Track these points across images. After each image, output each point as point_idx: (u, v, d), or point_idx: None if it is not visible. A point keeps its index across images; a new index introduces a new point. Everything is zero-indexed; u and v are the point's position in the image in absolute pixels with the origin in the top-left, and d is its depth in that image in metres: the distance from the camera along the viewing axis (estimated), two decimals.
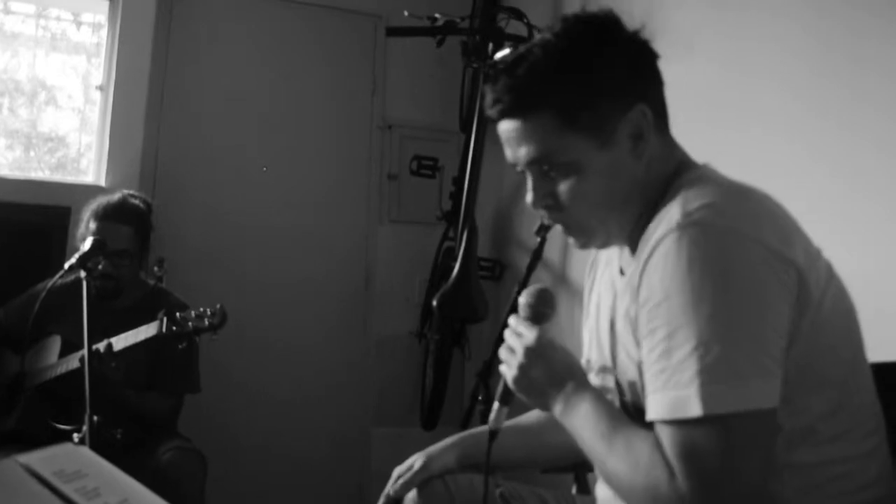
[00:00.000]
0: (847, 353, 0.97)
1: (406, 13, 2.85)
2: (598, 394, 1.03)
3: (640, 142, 1.01)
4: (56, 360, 2.11)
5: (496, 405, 1.14)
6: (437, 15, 2.83)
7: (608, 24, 1.02)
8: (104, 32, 3.13)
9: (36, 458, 0.83)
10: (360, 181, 3.38)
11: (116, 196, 2.27)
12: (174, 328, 1.91)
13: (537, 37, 1.04)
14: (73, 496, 0.79)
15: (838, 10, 1.73)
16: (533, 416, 1.38)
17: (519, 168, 1.05)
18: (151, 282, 2.37)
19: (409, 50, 3.35)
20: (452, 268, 2.72)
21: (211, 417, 2.72)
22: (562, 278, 2.74)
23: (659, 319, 0.88)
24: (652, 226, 0.96)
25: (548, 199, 1.03)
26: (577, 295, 2.50)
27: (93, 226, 2.17)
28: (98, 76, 3.11)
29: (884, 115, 1.58)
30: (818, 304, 0.91)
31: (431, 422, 2.95)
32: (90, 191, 2.59)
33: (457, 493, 1.24)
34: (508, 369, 1.08)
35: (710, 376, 0.82)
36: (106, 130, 2.99)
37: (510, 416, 1.21)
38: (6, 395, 2.14)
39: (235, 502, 2.91)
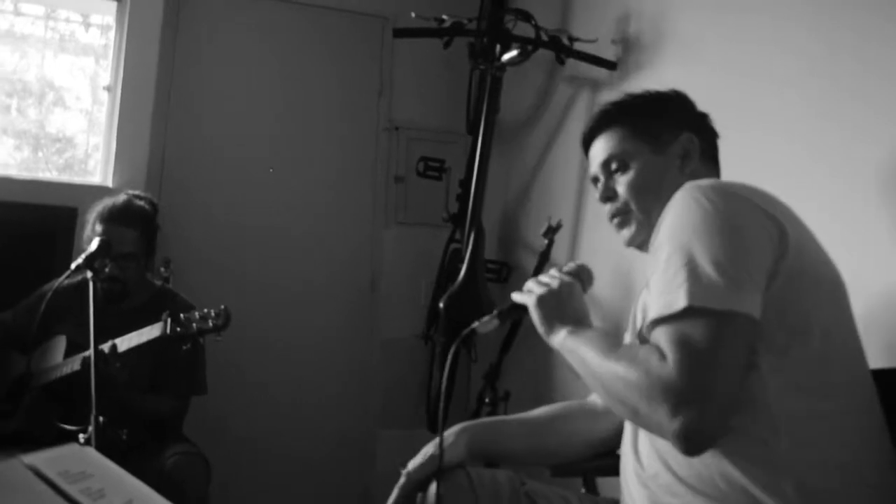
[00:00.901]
0: (829, 310, 1.07)
1: (413, 14, 2.84)
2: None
3: (686, 160, 1.30)
4: (61, 360, 2.11)
5: (493, 315, 1.28)
6: (444, 16, 2.83)
7: (681, 94, 1.38)
8: (112, 34, 3.14)
9: (41, 459, 0.83)
10: (366, 183, 3.38)
11: (122, 198, 2.27)
12: (178, 329, 1.91)
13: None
14: (78, 497, 0.78)
15: (842, 13, 1.72)
16: (540, 411, 1.39)
17: (593, 172, 1.37)
18: (158, 283, 2.37)
19: (416, 51, 3.35)
20: (459, 270, 2.71)
21: (216, 419, 2.72)
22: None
23: (662, 252, 1.04)
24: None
25: (610, 191, 1.33)
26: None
27: (98, 228, 2.17)
28: (106, 77, 3.12)
29: (886, 117, 1.57)
30: (798, 254, 1.03)
31: (438, 424, 2.94)
32: (97, 191, 2.59)
33: (479, 485, 1.24)
34: (536, 288, 1.23)
35: (695, 280, 0.98)
36: (113, 131, 2.99)
37: (513, 412, 1.21)
38: (11, 396, 2.15)
39: None
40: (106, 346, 1.93)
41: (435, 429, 2.95)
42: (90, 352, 1.68)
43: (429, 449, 1.31)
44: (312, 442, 3.14)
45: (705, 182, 1.10)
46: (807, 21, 1.82)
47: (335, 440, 3.19)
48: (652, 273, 1.06)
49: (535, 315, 1.21)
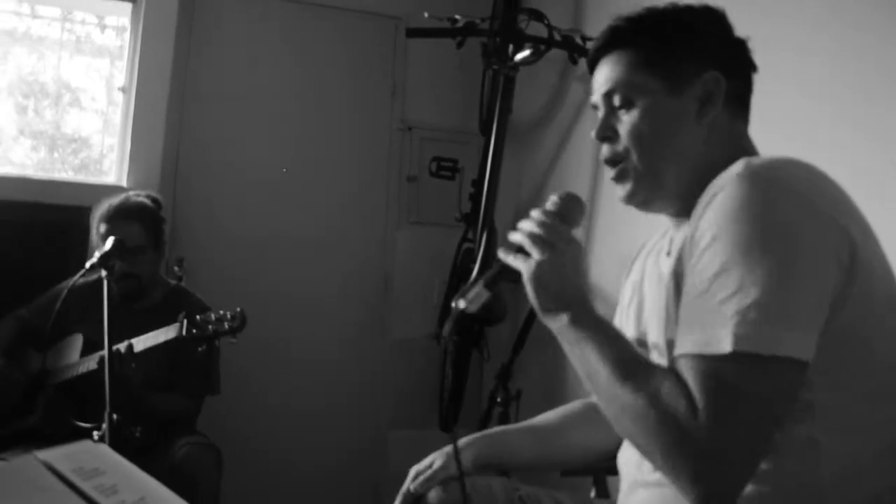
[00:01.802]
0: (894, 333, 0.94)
1: (426, 15, 2.85)
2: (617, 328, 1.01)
3: (707, 106, 1.06)
4: (77, 358, 2.13)
5: (479, 285, 1.06)
6: (457, 16, 2.83)
7: (717, 13, 1.12)
8: (127, 35, 3.16)
9: (55, 455, 0.84)
10: (379, 183, 3.39)
11: (120, 197, 2.30)
12: (194, 331, 1.91)
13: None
14: (92, 493, 0.79)
15: (859, 14, 1.71)
16: (546, 417, 1.37)
17: (594, 100, 1.12)
18: (172, 282, 2.38)
19: (429, 51, 3.35)
20: (472, 269, 2.71)
21: (228, 418, 2.73)
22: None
23: (706, 259, 0.88)
24: (711, 187, 0.95)
25: (609, 130, 1.09)
26: (596, 295, 2.48)
27: (102, 228, 2.18)
28: (121, 78, 3.14)
29: None
30: (868, 274, 0.89)
31: (450, 424, 2.95)
32: (112, 191, 2.60)
33: (473, 494, 1.22)
34: (534, 252, 1.01)
35: (746, 318, 0.83)
36: (128, 132, 3.01)
37: (525, 411, 1.18)
38: (28, 393, 2.16)
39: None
40: (122, 346, 1.94)
41: (446, 428, 2.95)
42: (105, 351, 1.69)
43: (434, 456, 1.29)
44: (324, 441, 3.15)
45: (768, 167, 0.91)
46: (823, 22, 1.81)
47: (347, 440, 3.20)
48: (688, 276, 0.91)
49: (531, 292, 1.01)
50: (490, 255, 2.70)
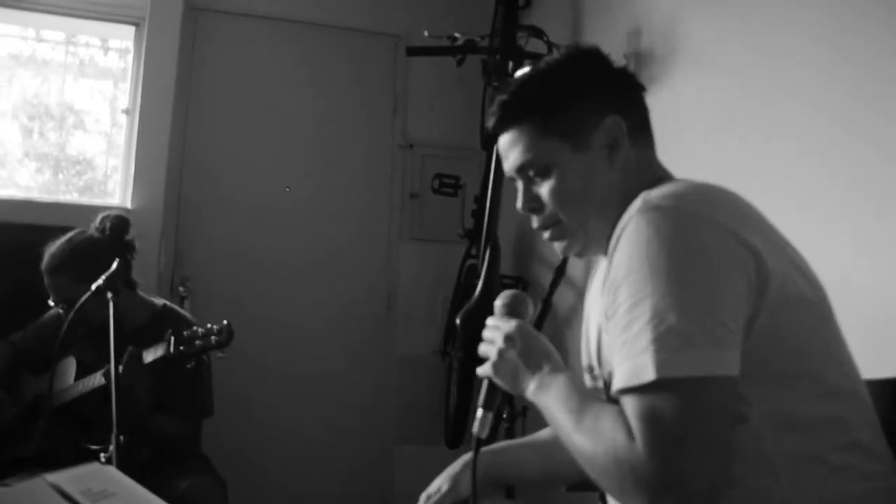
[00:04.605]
0: (818, 333, 0.97)
1: (426, 33, 2.87)
2: (572, 376, 1.04)
3: (615, 151, 1.09)
4: (72, 382, 2.11)
5: (480, 411, 1.14)
6: (456, 34, 2.85)
7: (591, 53, 1.15)
8: (130, 58, 3.19)
9: (64, 478, 0.84)
10: (381, 200, 3.40)
11: (54, 245, 2.16)
12: (181, 348, 1.87)
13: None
14: None
15: (855, 23, 1.72)
16: (549, 431, 1.37)
17: (509, 176, 1.16)
18: (160, 302, 2.29)
19: (429, 69, 3.37)
20: (475, 286, 2.71)
21: (233, 436, 2.73)
22: (585, 295, 2.72)
23: (621, 296, 0.91)
24: (619, 224, 0.99)
25: (532, 202, 1.13)
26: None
27: (45, 281, 2.12)
28: (124, 100, 3.17)
29: None
30: (780, 283, 0.92)
31: (455, 440, 2.94)
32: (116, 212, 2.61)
33: None
34: (489, 360, 1.10)
35: (663, 343, 0.85)
36: (132, 153, 3.04)
37: (530, 427, 1.19)
38: (25, 420, 2.14)
39: None
40: (126, 356, 1.89)
41: (452, 445, 2.94)
42: (111, 367, 1.67)
43: (441, 480, 1.29)
44: (331, 458, 3.14)
45: (666, 198, 0.95)
46: (820, 31, 1.82)
47: (354, 456, 3.19)
48: (611, 318, 0.95)
49: (498, 383, 1.10)
50: (493, 271, 2.71)
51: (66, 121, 3.27)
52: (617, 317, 0.92)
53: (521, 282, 3.14)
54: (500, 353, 1.09)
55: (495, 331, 1.11)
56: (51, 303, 2.14)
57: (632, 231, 0.93)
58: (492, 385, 1.12)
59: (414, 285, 3.36)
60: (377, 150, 3.42)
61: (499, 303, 1.15)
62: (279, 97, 3.29)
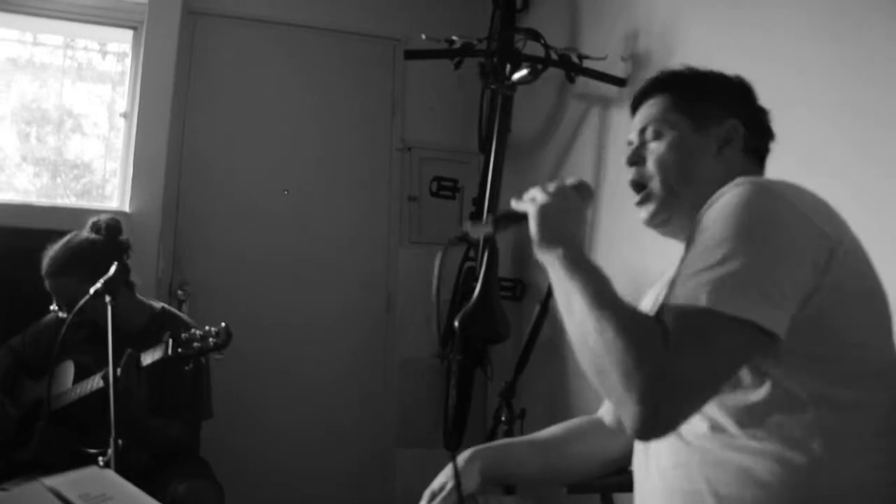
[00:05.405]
0: (876, 339, 1.03)
1: (423, 36, 2.87)
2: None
3: (726, 147, 1.21)
4: (70, 385, 2.11)
5: (489, 220, 1.20)
6: (454, 37, 2.85)
7: (742, 80, 1.30)
8: (128, 61, 3.20)
9: (62, 481, 0.84)
10: (380, 203, 3.40)
11: (53, 248, 2.17)
12: (179, 350, 1.87)
13: None
14: None
15: (856, 28, 1.72)
16: (549, 430, 1.38)
17: (630, 137, 1.27)
18: (158, 305, 2.29)
19: (427, 72, 3.38)
20: (474, 288, 2.71)
21: (233, 439, 2.73)
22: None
23: (699, 241, 1.00)
24: (714, 197, 1.05)
25: (637, 156, 1.24)
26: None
27: (47, 286, 2.13)
28: (122, 104, 3.17)
29: None
30: (845, 275, 0.99)
31: (455, 442, 2.94)
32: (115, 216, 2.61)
33: None
34: (540, 196, 1.12)
35: (724, 283, 0.94)
36: (130, 157, 3.04)
37: (529, 430, 1.19)
38: (24, 425, 2.14)
39: None
40: (125, 358, 1.89)
41: (452, 447, 2.94)
42: (109, 370, 1.67)
43: (445, 477, 1.30)
44: (331, 461, 3.14)
45: (769, 182, 1.05)
46: (819, 37, 1.82)
47: (354, 459, 3.19)
48: (683, 260, 1.02)
49: (533, 224, 1.11)
50: (491, 274, 2.71)
51: (64, 124, 3.27)
52: (689, 256, 1.00)
53: (519, 284, 3.14)
54: (560, 200, 1.11)
55: (559, 186, 1.15)
56: (52, 307, 2.15)
57: (727, 196, 1.01)
58: (513, 215, 1.15)
59: (413, 288, 3.35)
60: (375, 153, 3.42)
61: (570, 180, 1.18)
62: (277, 101, 3.29)
